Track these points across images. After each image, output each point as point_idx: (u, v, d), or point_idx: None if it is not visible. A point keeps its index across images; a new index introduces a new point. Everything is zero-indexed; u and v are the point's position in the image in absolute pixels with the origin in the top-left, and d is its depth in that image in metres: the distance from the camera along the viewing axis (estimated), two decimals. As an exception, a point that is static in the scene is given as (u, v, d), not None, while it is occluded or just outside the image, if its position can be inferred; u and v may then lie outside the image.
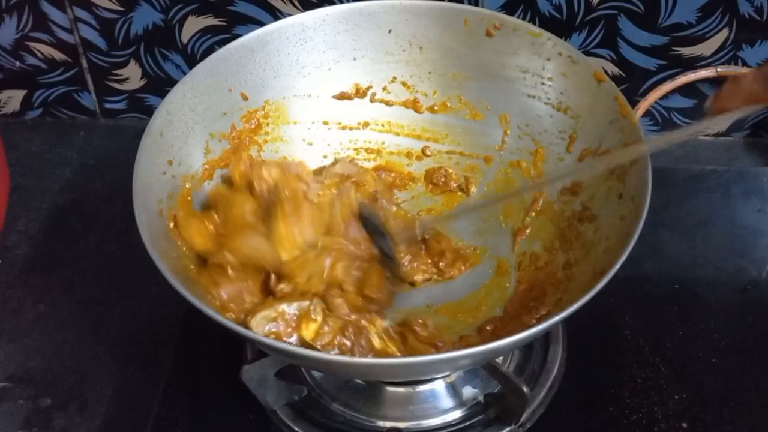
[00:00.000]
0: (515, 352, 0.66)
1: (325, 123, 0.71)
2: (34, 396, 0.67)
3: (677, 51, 0.81)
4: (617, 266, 0.51)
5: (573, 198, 0.65)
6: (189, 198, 0.62)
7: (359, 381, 0.64)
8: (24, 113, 0.92)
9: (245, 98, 0.67)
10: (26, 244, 0.79)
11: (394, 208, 0.70)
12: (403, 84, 0.71)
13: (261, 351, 0.60)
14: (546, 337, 0.67)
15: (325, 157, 0.72)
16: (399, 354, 0.58)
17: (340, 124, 0.72)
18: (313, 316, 0.57)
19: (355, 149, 0.72)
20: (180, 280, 0.51)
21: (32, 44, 0.85)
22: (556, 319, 0.49)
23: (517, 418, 0.61)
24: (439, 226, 0.69)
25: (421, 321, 0.61)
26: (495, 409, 0.62)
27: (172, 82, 0.63)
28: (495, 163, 0.70)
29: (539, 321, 0.59)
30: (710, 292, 0.72)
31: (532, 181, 0.67)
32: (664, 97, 0.84)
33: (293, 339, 0.56)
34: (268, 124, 0.69)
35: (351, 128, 0.72)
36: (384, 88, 0.71)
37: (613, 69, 0.82)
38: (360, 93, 0.71)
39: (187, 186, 0.62)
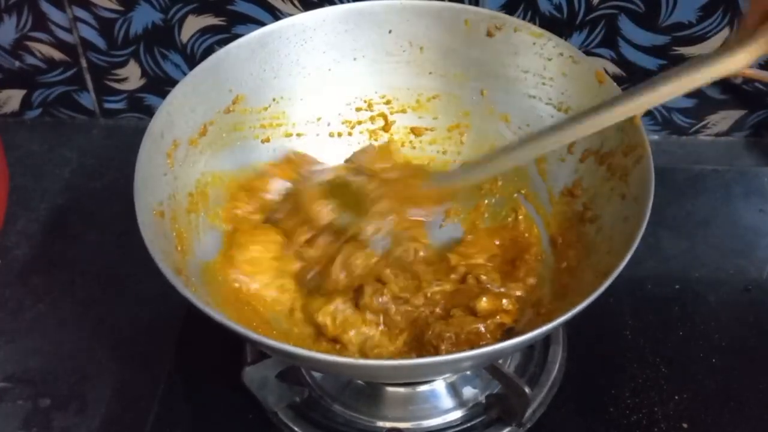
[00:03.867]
0: (516, 353, 0.66)
1: (328, 124, 0.72)
2: (33, 396, 0.67)
3: (678, 51, 0.81)
4: (621, 267, 0.50)
5: (573, 200, 0.65)
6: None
7: (360, 382, 0.64)
8: (23, 113, 0.92)
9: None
10: (26, 244, 0.79)
11: None
12: (405, 84, 0.71)
13: (261, 352, 0.60)
14: (546, 337, 0.67)
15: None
16: None
17: (340, 124, 0.72)
18: None
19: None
20: (181, 279, 0.51)
21: (31, 44, 0.85)
22: (560, 321, 0.49)
23: (519, 419, 0.61)
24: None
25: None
26: (496, 409, 0.62)
27: (172, 82, 0.63)
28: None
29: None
30: (711, 292, 0.72)
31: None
32: (665, 96, 0.84)
33: None
34: (269, 125, 0.69)
35: (351, 129, 0.72)
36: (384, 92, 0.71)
37: (613, 69, 0.82)
38: (365, 102, 0.72)
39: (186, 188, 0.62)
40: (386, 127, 0.72)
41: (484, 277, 0.63)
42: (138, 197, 0.55)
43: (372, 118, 0.72)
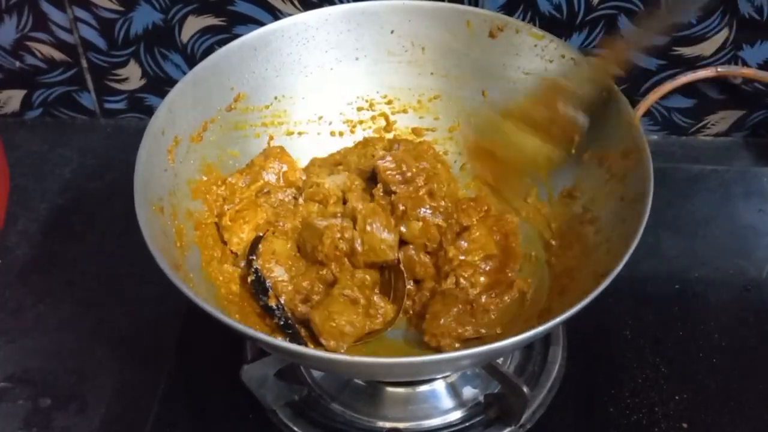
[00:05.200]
0: (515, 353, 0.66)
1: (329, 123, 0.72)
2: (33, 396, 0.67)
3: (677, 51, 0.81)
4: (618, 268, 0.51)
5: (573, 201, 0.65)
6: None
7: (359, 381, 0.64)
8: (24, 113, 0.92)
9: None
10: (26, 244, 0.79)
11: None
12: (406, 84, 0.71)
13: (261, 350, 0.60)
14: (546, 337, 0.67)
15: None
16: None
17: (342, 123, 0.72)
18: None
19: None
20: (179, 275, 0.51)
21: (32, 44, 0.85)
22: (557, 320, 0.49)
23: (518, 419, 0.61)
24: None
25: None
26: (495, 409, 0.62)
27: (172, 82, 0.63)
28: (496, 163, 0.70)
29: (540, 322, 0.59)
30: (710, 292, 0.72)
31: None
32: (665, 96, 0.84)
33: None
34: (271, 123, 0.69)
35: (352, 128, 0.72)
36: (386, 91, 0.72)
37: (613, 69, 0.82)
38: (366, 102, 0.72)
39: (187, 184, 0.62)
40: (387, 127, 0.73)
41: (463, 282, 0.63)
42: (138, 192, 0.55)
43: (373, 118, 0.72)
